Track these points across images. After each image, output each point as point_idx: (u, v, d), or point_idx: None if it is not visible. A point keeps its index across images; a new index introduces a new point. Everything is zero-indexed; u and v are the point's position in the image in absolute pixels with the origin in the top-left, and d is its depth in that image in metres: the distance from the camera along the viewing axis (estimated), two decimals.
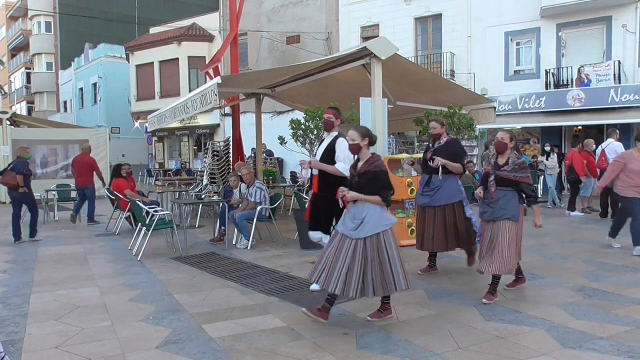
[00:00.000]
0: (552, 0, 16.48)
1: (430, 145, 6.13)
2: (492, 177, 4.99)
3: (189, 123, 26.15)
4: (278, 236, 8.33)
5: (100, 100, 33.06)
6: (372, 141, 4.39)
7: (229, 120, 17.58)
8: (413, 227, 7.87)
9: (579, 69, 16.58)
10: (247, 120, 13.12)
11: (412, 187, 7.91)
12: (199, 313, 4.72)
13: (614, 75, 15.98)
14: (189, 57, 26.84)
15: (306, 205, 7.16)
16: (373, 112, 8.20)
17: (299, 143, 7.81)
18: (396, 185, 7.87)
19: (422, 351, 3.78)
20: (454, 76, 18.50)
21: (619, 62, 16.06)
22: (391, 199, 4.31)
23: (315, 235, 5.52)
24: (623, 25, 16.12)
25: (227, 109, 20.23)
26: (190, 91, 19.47)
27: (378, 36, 16.48)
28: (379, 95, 8.19)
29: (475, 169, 12.73)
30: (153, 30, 30.04)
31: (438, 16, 19.63)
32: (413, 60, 17.47)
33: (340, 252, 4.20)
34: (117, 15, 35.20)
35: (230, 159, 12.05)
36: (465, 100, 9.91)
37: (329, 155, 5.33)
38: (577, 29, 17.01)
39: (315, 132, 7.61)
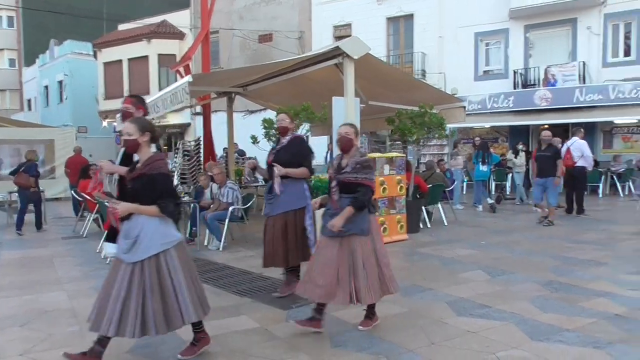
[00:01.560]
0: (520, 2, 16.84)
1: (275, 144, 5.40)
2: (334, 183, 4.16)
3: (159, 122, 25.69)
4: (251, 237, 8.28)
5: (66, 99, 32.23)
6: (155, 137, 3.59)
7: (200, 120, 17.38)
8: (386, 226, 7.98)
9: (545, 70, 16.99)
10: (218, 120, 12.98)
11: (385, 185, 7.98)
12: None
13: (579, 75, 16.43)
14: (159, 54, 26.41)
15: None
16: (346, 111, 8.24)
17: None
18: None
19: (396, 348, 3.81)
20: (425, 76, 18.70)
21: (584, 62, 16.51)
22: (173, 209, 3.48)
23: (110, 249, 4.55)
24: (588, 27, 16.59)
25: (198, 108, 20.00)
26: (160, 90, 19.16)
27: (350, 35, 16.56)
28: (351, 94, 8.23)
29: (447, 168, 12.91)
30: (122, 27, 29.45)
31: (410, 16, 19.82)
32: (385, 60, 17.60)
33: (115, 282, 3.39)
34: (84, 10, 34.38)
35: (201, 158, 11.92)
36: (436, 99, 10.04)
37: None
38: (544, 30, 17.42)
39: None
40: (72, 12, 34.16)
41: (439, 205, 10.18)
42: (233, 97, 11.52)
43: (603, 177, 15.01)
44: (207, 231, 8.05)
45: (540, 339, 3.92)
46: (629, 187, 14.80)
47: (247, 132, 9.64)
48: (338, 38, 19.63)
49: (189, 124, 26.30)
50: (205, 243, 8.11)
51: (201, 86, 10.44)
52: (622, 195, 14.70)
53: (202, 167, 11.49)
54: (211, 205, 8.24)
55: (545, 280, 5.62)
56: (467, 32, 18.50)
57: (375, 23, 20.18)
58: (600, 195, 14.79)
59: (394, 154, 8.68)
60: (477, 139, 13.95)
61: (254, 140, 8.10)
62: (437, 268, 6.39)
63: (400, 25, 20.25)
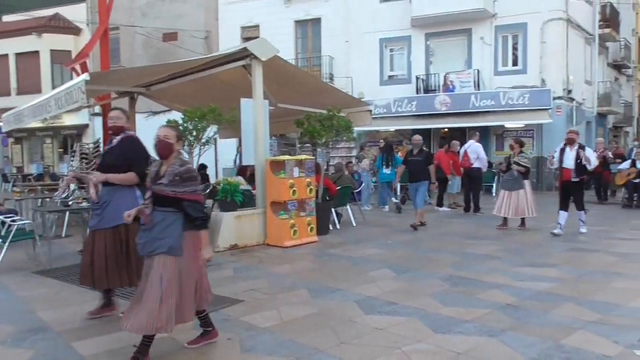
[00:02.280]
0: (421, 11, 17.73)
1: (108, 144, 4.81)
2: (148, 194, 3.64)
3: (53, 123, 23.98)
4: None
5: None
6: None
7: (99, 120, 16.46)
8: (296, 229, 8.01)
9: (444, 76, 18.02)
10: None
11: (295, 188, 8.01)
12: (68, 330, 4.33)
13: (474, 82, 17.61)
14: (51, 50, 24.60)
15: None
16: (254, 113, 8.19)
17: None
18: (278, 186, 7.96)
19: (306, 349, 3.83)
20: (332, 79, 19.08)
21: (478, 70, 17.72)
22: None
23: None
24: (481, 38, 17.83)
25: (97, 108, 18.88)
26: (53, 88, 17.84)
27: (258, 37, 16.49)
28: (260, 96, 8.19)
29: (354, 170, 13.24)
30: (6, 18, 27.07)
31: (317, 20, 20.12)
32: (293, 63, 17.72)
33: None
34: None
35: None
36: (343, 103, 10.26)
37: None
38: (442, 38, 18.47)
39: (194, 133, 7.39)
40: None
41: (348, 206, 10.40)
42: (135, 97, 11.02)
43: (496, 177, 16.18)
44: None
45: (442, 331, 4.12)
46: None
47: (150, 134, 9.24)
48: (246, 39, 19.46)
49: (87, 125, 24.77)
50: None
51: (100, 85, 9.87)
52: None
53: None
54: None
55: (446, 275, 5.93)
56: (372, 37, 19.13)
57: (284, 25, 20.25)
58: (494, 194, 15.90)
59: (303, 157, 8.74)
60: (381, 141, 14.44)
61: None
62: (346, 268, 6.51)
63: (308, 29, 20.50)
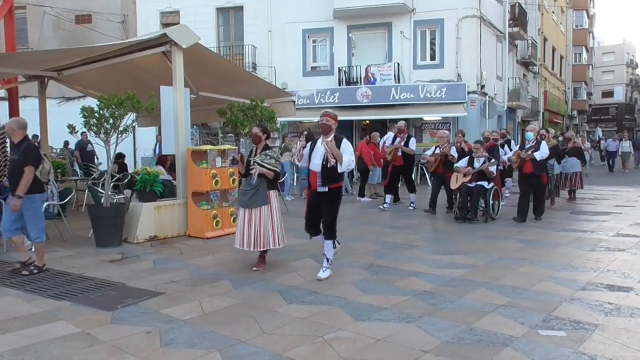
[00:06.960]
0: (343, 3, 17.93)
1: None
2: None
3: None
4: (69, 235, 7.55)
5: None
6: None
7: (4, 106, 15.24)
8: (218, 219, 7.92)
9: (366, 68, 18.39)
10: (28, 106, 11.51)
11: (217, 178, 7.90)
12: None
13: (395, 75, 18.13)
14: None
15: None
16: (175, 101, 7.98)
17: (92, 133, 7.17)
18: (200, 176, 7.82)
19: (229, 340, 3.82)
20: (255, 69, 18.88)
21: (398, 64, 18.25)
22: None
23: None
24: (401, 32, 18.35)
25: (2, 92, 17.50)
26: None
27: (179, 23, 15.97)
28: (180, 84, 8.00)
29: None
30: None
31: (240, 8, 19.79)
32: (215, 51, 17.35)
33: None
34: None
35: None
36: (266, 93, 10.22)
37: None
38: (364, 31, 18.81)
39: (111, 121, 7.06)
40: None
41: None
42: (46, 81, 10.34)
43: (415, 169, 16.81)
44: None
45: (363, 319, 4.26)
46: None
47: (64, 120, 8.73)
48: (165, 25, 18.80)
49: None
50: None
51: (5, 68, 9.19)
52: (430, 184, 16.62)
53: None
54: None
55: (367, 264, 6.12)
56: (295, 28, 19.09)
57: (205, 12, 19.73)
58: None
59: (226, 147, 8.63)
60: (305, 132, 14.52)
61: (72, 129, 7.37)
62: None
63: (231, 17, 20.12)
